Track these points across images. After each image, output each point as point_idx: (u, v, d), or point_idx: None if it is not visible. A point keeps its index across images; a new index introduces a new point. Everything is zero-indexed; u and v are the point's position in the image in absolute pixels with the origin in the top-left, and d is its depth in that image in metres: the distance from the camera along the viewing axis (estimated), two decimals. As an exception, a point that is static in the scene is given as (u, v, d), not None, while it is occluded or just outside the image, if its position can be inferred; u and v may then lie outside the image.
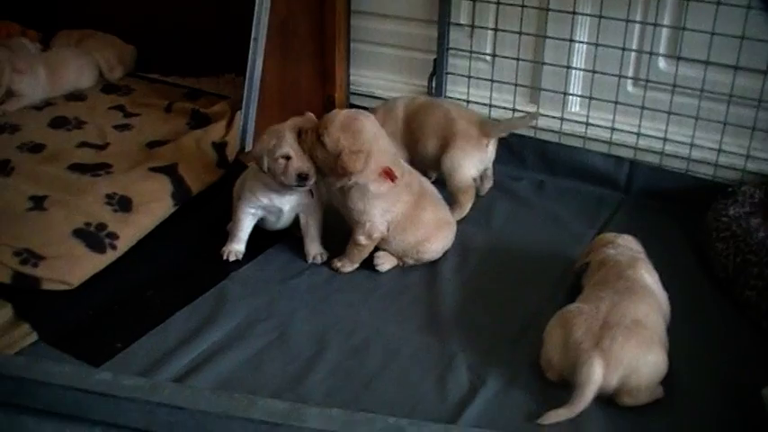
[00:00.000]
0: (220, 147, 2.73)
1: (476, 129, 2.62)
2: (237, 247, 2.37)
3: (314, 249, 2.38)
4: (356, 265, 2.31)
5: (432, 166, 2.69)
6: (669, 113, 2.71)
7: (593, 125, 2.88)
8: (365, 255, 2.29)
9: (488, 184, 2.80)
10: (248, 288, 2.23)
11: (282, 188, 2.24)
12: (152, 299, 2.18)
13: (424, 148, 2.66)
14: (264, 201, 2.30)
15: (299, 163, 2.18)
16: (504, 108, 3.02)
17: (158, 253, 2.38)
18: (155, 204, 2.43)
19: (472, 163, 2.61)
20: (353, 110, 2.24)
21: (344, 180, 2.16)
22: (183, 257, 2.38)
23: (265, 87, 2.78)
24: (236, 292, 2.20)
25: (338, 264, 2.32)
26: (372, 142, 2.14)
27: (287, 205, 2.31)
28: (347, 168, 2.11)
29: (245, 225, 2.35)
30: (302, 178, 2.18)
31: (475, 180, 2.66)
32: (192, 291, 2.20)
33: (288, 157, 2.18)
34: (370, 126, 2.17)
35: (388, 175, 2.16)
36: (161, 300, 2.18)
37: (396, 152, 2.28)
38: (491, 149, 2.68)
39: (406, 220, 2.24)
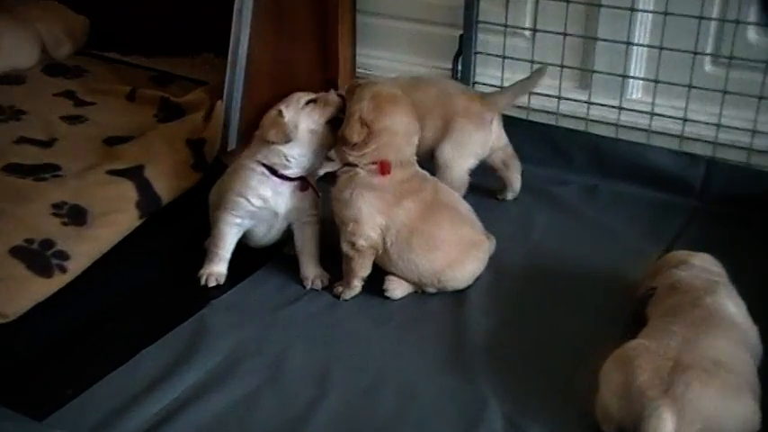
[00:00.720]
0: (197, 145, 2.78)
1: (477, 104, 2.70)
2: (218, 268, 2.40)
3: (312, 271, 2.40)
4: (356, 289, 2.34)
5: (428, 158, 2.73)
6: (760, 98, 2.72)
7: (659, 115, 2.90)
8: (359, 271, 2.30)
9: (516, 172, 2.83)
10: (232, 318, 2.25)
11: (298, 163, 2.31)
12: (113, 333, 2.21)
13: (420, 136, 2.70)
14: (257, 203, 2.33)
15: (331, 96, 2.34)
16: (548, 95, 3.06)
17: (120, 276, 2.41)
18: (115, 216, 2.47)
19: (473, 149, 2.69)
20: (400, 93, 2.32)
21: (339, 153, 2.27)
22: (152, 281, 2.41)
23: (252, 71, 2.82)
24: (218, 324, 2.23)
25: (339, 288, 2.35)
26: (390, 131, 2.22)
27: (283, 207, 2.35)
28: (344, 135, 2.22)
29: (228, 240, 2.38)
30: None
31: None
32: (162, 322, 2.22)
33: (314, 101, 2.33)
34: (402, 116, 2.26)
35: (382, 167, 2.22)
36: (124, 334, 2.20)
37: (411, 156, 2.32)
38: (496, 127, 2.74)
39: (412, 234, 2.26)
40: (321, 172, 2.61)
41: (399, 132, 2.25)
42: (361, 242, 2.25)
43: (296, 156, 2.31)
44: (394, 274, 2.33)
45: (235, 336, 2.18)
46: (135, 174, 2.60)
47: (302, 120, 2.31)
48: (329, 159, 2.52)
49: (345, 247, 2.27)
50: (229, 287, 2.38)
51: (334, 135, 2.31)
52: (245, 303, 2.32)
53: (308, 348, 2.15)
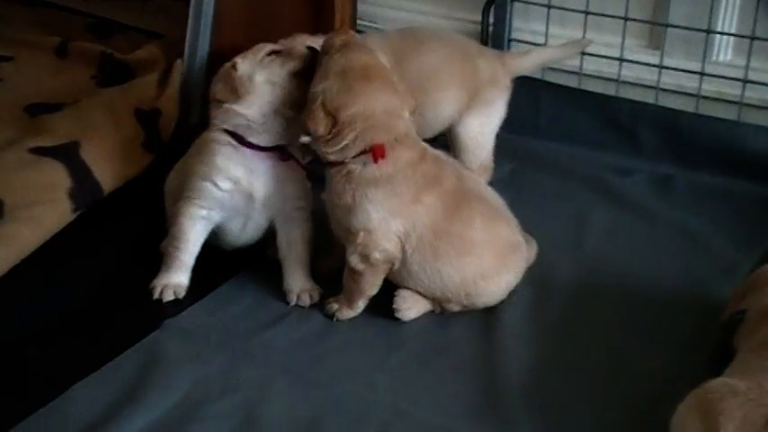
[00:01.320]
0: (149, 117, 2.77)
1: (500, 68, 2.80)
2: (177, 278, 2.39)
3: (298, 283, 2.40)
4: (359, 309, 2.34)
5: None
6: None
7: (755, 83, 2.90)
8: (368, 290, 2.31)
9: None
10: (193, 345, 2.24)
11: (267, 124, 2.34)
12: (36, 362, 2.20)
13: (435, 109, 2.72)
14: (225, 186, 2.34)
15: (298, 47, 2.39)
16: (607, 57, 3.06)
17: (47, 288, 2.40)
18: (40, 209, 2.46)
19: (499, 124, 2.82)
20: (376, 62, 2.30)
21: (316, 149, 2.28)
22: (89, 295, 2.40)
23: (223, 20, 2.82)
24: (174, 352, 2.21)
25: (335, 306, 2.35)
26: (364, 116, 2.22)
27: (261, 189, 2.36)
28: (307, 125, 2.23)
29: (192, 240, 2.38)
30: (313, 49, 2.36)
31: None
32: (101, 349, 2.21)
33: (277, 51, 2.39)
34: (376, 95, 2.24)
35: (375, 152, 2.23)
36: (51, 362, 2.19)
37: (410, 130, 2.31)
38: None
39: (436, 236, 2.26)
40: (303, 140, 2.60)
41: (376, 111, 2.24)
42: (376, 255, 2.25)
43: (256, 116, 2.34)
44: (408, 288, 2.34)
45: (196, 368, 2.16)
46: (67, 153, 2.59)
47: (258, 71, 2.35)
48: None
49: (354, 261, 2.27)
50: (190, 303, 2.37)
51: (303, 90, 2.32)
52: (210, 325, 2.31)
53: (291, 387, 2.13)
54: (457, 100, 2.72)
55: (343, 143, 2.22)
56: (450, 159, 2.41)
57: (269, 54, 2.38)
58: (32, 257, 2.42)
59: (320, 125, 2.21)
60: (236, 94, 2.32)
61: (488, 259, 2.31)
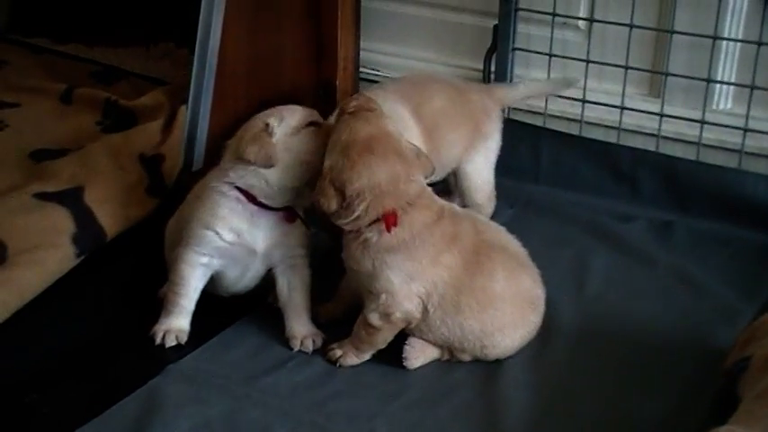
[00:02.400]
0: (152, 162, 2.79)
1: (487, 98, 2.87)
2: (178, 323, 2.39)
3: (301, 329, 2.39)
4: (365, 358, 2.34)
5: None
6: None
7: (755, 131, 2.91)
8: (380, 344, 2.31)
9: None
10: (195, 389, 2.23)
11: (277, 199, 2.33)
12: (36, 407, 2.19)
13: (449, 150, 2.75)
14: (228, 238, 2.33)
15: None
16: (608, 105, 3.07)
17: (49, 332, 2.40)
18: (44, 253, 2.47)
19: (497, 154, 2.89)
20: (383, 135, 2.25)
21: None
22: (90, 340, 2.40)
23: (226, 67, 2.84)
24: (176, 396, 2.20)
25: (338, 352, 2.34)
26: (370, 187, 2.20)
27: (262, 244, 2.36)
28: (319, 202, 2.21)
29: (192, 286, 2.37)
30: None
31: None
32: (103, 394, 2.20)
33: (317, 124, 2.36)
34: (380, 165, 2.21)
35: (387, 221, 2.21)
36: (53, 407, 2.18)
37: (420, 191, 2.29)
38: None
39: (458, 292, 2.26)
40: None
41: (383, 182, 2.22)
42: (397, 315, 2.25)
43: (279, 184, 2.32)
44: (420, 338, 2.33)
45: (197, 413, 2.15)
46: (71, 198, 2.61)
47: (295, 145, 2.32)
48: None
49: (374, 318, 2.26)
50: (192, 349, 2.37)
51: None
52: (211, 371, 2.30)
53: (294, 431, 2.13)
54: (466, 137, 2.77)
55: (355, 215, 2.21)
56: (465, 212, 2.42)
57: (307, 125, 2.35)
58: (34, 301, 2.42)
59: (331, 201, 2.20)
60: (269, 162, 2.28)
61: (509, 312, 2.31)
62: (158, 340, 2.37)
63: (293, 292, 2.40)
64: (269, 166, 2.28)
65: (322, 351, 2.37)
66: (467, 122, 2.78)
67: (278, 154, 2.29)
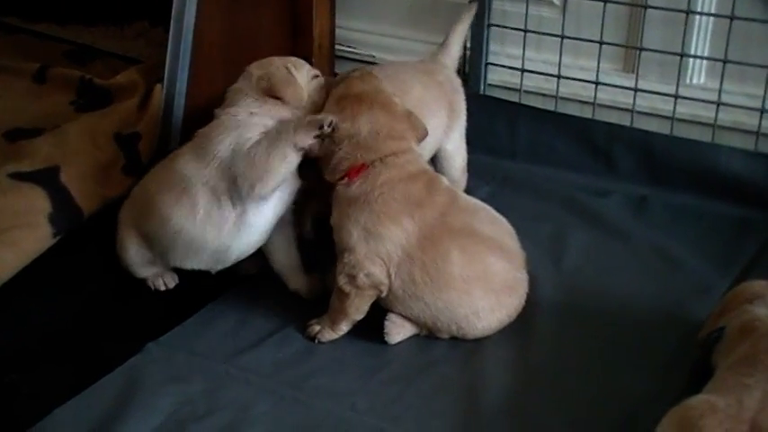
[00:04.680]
0: (129, 141, 2.78)
1: (450, 72, 2.90)
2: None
3: (302, 282, 2.50)
4: (342, 332, 2.34)
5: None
6: None
7: (728, 105, 2.92)
8: (353, 314, 2.30)
9: None
10: (175, 368, 2.23)
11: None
12: (17, 387, 2.19)
13: (433, 136, 2.70)
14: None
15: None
16: (583, 81, 3.08)
17: (27, 313, 2.40)
18: (20, 233, 2.46)
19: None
20: (373, 88, 2.37)
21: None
22: (69, 319, 2.40)
23: (202, 46, 2.83)
24: (156, 374, 2.21)
25: (316, 328, 2.35)
26: (350, 135, 2.28)
27: None
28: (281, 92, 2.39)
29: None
30: None
31: None
32: (82, 373, 2.20)
33: (318, 77, 2.52)
34: (368, 112, 2.30)
35: (352, 170, 2.29)
36: (33, 387, 2.19)
37: (403, 150, 2.32)
38: None
39: (411, 263, 2.25)
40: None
41: (362, 131, 2.29)
42: (362, 277, 2.25)
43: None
44: (398, 313, 2.34)
45: (178, 390, 2.16)
46: (47, 178, 2.59)
47: (310, 92, 2.46)
48: None
49: (342, 281, 2.27)
50: (172, 326, 2.37)
51: None
52: (191, 348, 2.30)
53: (273, 408, 2.13)
54: (445, 120, 2.77)
55: (333, 163, 2.29)
56: (449, 188, 2.40)
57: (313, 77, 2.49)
58: (12, 281, 2.42)
59: (316, 147, 2.30)
60: (302, 102, 2.42)
61: (479, 296, 2.29)
62: (152, 286, 2.52)
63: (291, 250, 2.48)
64: (301, 106, 2.41)
65: (302, 330, 2.38)
66: (443, 105, 2.77)
67: (304, 97, 2.43)
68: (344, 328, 2.34)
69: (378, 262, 2.25)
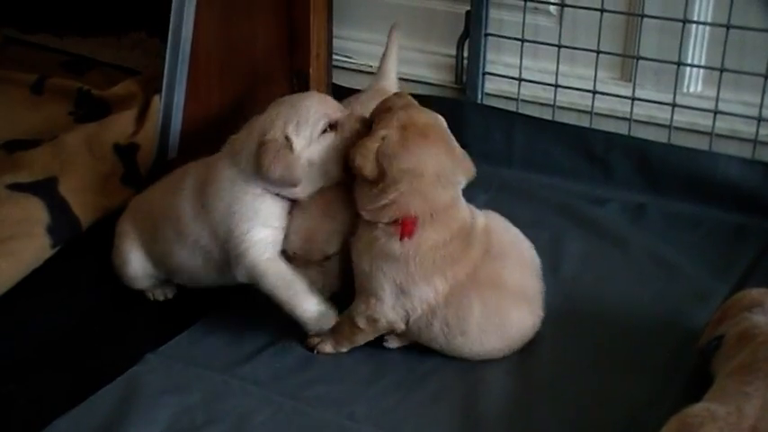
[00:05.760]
0: (127, 151, 2.78)
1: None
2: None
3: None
4: (343, 350, 2.34)
5: None
6: None
7: (725, 114, 2.94)
8: (359, 342, 2.31)
9: None
10: (174, 378, 2.23)
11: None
12: (15, 397, 2.19)
13: None
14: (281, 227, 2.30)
15: (349, 116, 2.27)
16: (580, 90, 3.09)
17: (25, 323, 2.40)
18: (18, 244, 2.46)
19: None
20: (437, 122, 2.25)
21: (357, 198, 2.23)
22: (67, 330, 2.40)
23: (199, 56, 2.84)
24: (156, 384, 2.20)
25: (316, 340, 2.35)
26: (413, 173, 2.16)
27: None
28: (356, 163, 2.15)
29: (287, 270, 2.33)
30: (370, 126, 2.24)
31: None
32: (81, 383, 2.20)
33: (332, 126, 2.26)
34: (432, 152, 2.19)
35: (404, 227, 2.18)
36: (31, 397, 2.18)
37: (455, 197, 2.24)
38: None
39: (433, 315, 2.22)
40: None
41: (426, 173, 2.18)
42: (383, 322, 2.24)
43: (304, 193, 2.28)
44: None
45: (177, 400, 2.15)
46: (45, 189, 2.59)
47: (317, 153, 2.25)
48: None
49: (361, 321, 2.25)
50: (170, 336, 2.37)
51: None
52: (190, 357, 2.30)
53: (273, 418, 2.12)
54: None
55: (383, 202, 2.17)
56: (482, 235, 2.29)
57: (327, 129, 2.26)
58: (10, 292, 2.42)
59: (367, 167, 2.15)
60: (295, 182, 2.22)
61: (492, 343, 2.28)
62: (151, 297, 2.49)
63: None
64: (294, 185, 2.24)
65: (301, 341, 2.37)
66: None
67: (305, 171, 2.23)
68: (345, 349, 2.33)
69: (401, 313, 2.24)
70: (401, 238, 2.17)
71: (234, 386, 2.22)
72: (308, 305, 2.26)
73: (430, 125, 2.23)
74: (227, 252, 2.29)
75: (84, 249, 2.60)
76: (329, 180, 2.28)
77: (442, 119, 2.29)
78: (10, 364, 2.28)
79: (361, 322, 2.26)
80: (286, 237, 2.28)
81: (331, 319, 2.29)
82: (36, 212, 2.53)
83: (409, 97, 2.32)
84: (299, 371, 2.29)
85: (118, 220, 2.52)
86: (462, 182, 2.27)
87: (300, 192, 2.27)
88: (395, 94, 2.36)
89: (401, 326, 2.25)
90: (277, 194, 2.28)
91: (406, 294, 2.22)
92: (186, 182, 2.37)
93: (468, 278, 2.23)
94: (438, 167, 2.19)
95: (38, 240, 2.49)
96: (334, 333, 2.32)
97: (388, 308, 2.23)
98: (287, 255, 2.29)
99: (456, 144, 2.27)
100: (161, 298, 2.49)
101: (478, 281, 2.24)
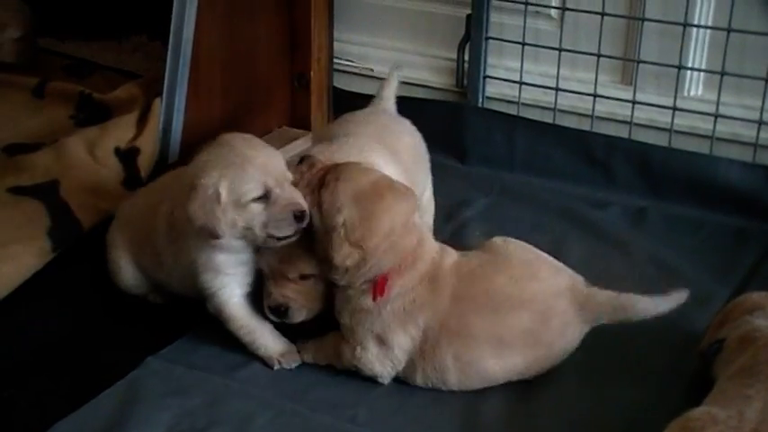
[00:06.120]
0: (128, 155, 2.78)
1: (396, 123, 2.69)
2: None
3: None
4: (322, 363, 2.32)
5: None
6: None
7: (726, 117, 2.94)
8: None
9: None
10: (174, 381, 2.23)
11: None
12: (16, 401, 2.19)
13: (424, 188, 2.69)
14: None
15: (289, 193, 2.17)
16: (580, 93, 3.10)
17: (26, 327, 2.40)
18: (20, 248, 2.46)
19: None
20: (385, 179, 2.17)
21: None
22: (68, 334, 2.40)
23: (201, 59, 2.84)
24: (156, 389, 2.20)
25: (303, 356, 2.32)
26: (391, 230, 2.14)
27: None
28: (329, 256, 2.12)
29: (252, 317, 2.34)
30: (299, 218, 2.16)
31: None
32: (82, 387, 2.20)
33: (265, 196, 2.17)
34: (395, 208, 2.15)
35: (378, 287, 2.16)
36: (30, 404, 2.18)
37: (420, 235, 2.21)
38: None
39: (411, 362, 2.20)
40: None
41: (396, 228, 2.15)
42: (369, 371, 2.22)
43: (233, 244, 2.22)
44: None
45: (178, 404, 2.16)
46: (46, 192, 2.60)
47: (242, 217, 2.16)
48: None
49: (347, 363, 2.24)
50: (171, 339, 2.37)
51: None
52: (191, 361, 2.30)
53: (274, 421, 2.13)
54: (428, 168, 2.71)
55: (360, 272, 2.15)
56: (452, 276, 2.21)
57: (255, 199, 2.16)
58: (11, 296, 2.42)
59: (348, 259, 2.12)
60: (216, 236, 2.16)
61: (476, 386, 2.22)
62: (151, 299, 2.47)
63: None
64: (216, 238, 2.18)
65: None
66: (423, 151, 2.69)
67: (223, 228, 2.16)
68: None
69: (387, 364, 2.22)
70: (374, 298, 2.16)
71: (234, 389, 2.22)
72: (272, 345, 2.30)
73: (374, 181, 2.17)
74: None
75: (84, 253, 2.59)
76: (250, 242, 2.22)
77: (370, 162, 2.26)
78: (10, 369, 2.28)
79: (348, 365, 2.25)
80: (261, 256, 2.26)
81: (294, 356, 2.30)
82: (37, 216, 2.54)
83: (314, 158, 2.25)
84: (300, 374, 2.29)
85: (108, 229, 2.52)
86: (419, 216, 2.25)
87: (225, 245, 2.22)
88: (306, 163, 2.24)
89: (387, 375, 2.23)
90: None
91: (386, 345, 2.19)
92: (161, 209, 2.36)
93: (441, 327, 2.17)
94: (403, 217, 2.17)
95: (39, 244, 2.49)
96: (317, 347, 2.31)
97: (374, 358, 2.21)
98: (263, 272, 2.27)
99: (392, 178, 2.22)
100: (160, 301, 2.48)
101: (449, 330, 2.17)
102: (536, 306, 2.17)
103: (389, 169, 2.35)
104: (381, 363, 2.22)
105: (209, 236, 2.17)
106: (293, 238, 2.17)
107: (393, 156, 2.46)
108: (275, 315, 2.26)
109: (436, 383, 2.21)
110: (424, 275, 2.19)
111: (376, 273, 2.15)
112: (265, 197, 2.16)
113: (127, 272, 2.47)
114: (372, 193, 2.13)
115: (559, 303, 2.19)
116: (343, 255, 2.11)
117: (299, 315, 2.26)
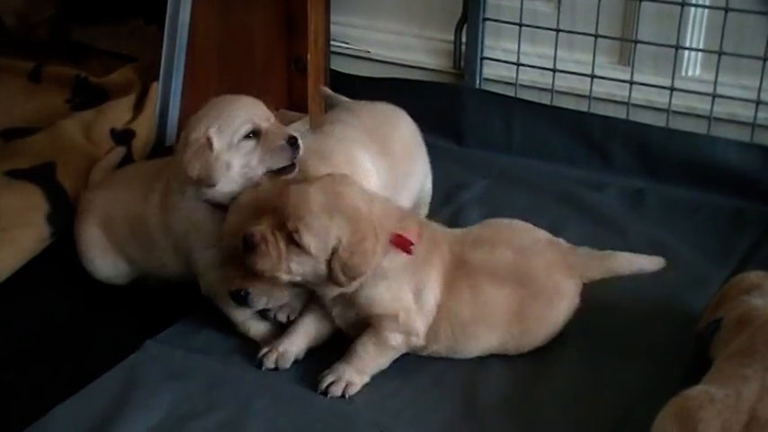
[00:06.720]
0: (124, 137, 2.78)
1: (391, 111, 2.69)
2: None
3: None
4: (366, 379, 2.22)
5: None
6: None
7: (724, 97, 2.94)
8: (387, 364, 2.24)
9: None
10: (173, 365, 2.24)
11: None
12: (16, 385, 2.19)
13: (424, 180, 2.71)
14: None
15: (277, 126, 2.27)
16: (578, 74, 3.09)
17: (26, 312, 2.40)
18: (18, 232, 2.47)
19: None
20: (327, 177, 2.16)
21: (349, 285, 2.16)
22: (67, 318, 2.40)
23: (197, 43, 2.84)
24: (155, 372, 2.21)
25: (342, 384, 2.18)
26: (372, 211, 2.14)
27: None
28: (357, 271, 2.10)
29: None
30: (293, 144, 2.24)
31: None
32: (81, 370, 2.20)
33: (255, 132, 2.25)
34: (355, 190, 2.16)
35: (400, 241, 2.16)
36: (31, 386, 2.19)
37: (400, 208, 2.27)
38: None
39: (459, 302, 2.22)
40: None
41: (370, 195, 2.18)
42: (414, 333, 2.20)
43: (230, 192, 2.27)
44: None
45: (177, 387, 2.16)
46: (43, 175, 2.59)
47: (236, 156, 2.24)
48: None
49: (396, 338, 2.20)
50: (170, 323, 2.37)
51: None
52: (190, 345, 2.30)
53: (273, 405, 2.13)
54: (426, 161, 2.72)
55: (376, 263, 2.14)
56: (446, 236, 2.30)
57: (247, 136, 2.24)
58: (9, 281, 2.42)
59: (371, 258, 2.11)
60: (212, 180, 2.22)
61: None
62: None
63: None
64: (211, 185, 2.24)
65: (315, 382, 2.22)
66: (421, 145, 2.69)
67: (219, 171, 2.22)
68: (369, 377, 2.23)
69: (423, 320, 2.21)
70: (409, 252, 2.17)
71: (233, 373, 2.23)
72: (259, 325, 2.31)
73: (334, 182, 2.16)
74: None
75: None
76: (248, 183, 2.25)
77: (345, 150, 2.33)
78: (10, 353, 2.28)
79: (395, 339, 2.21)
80: (220, 238, 2.26)
81: (285, 346, 2.27)
82: (35, 201, 2.53)
83: (308, 148, 2.29)
84: (302, 358, 2.28)
85: (76, 223, 2.49)
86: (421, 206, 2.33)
87: (219, 194, 2.26)
88: (248, 244, 2.14)
89: (422, 340, 2.22)
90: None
91: (420, 297, 2.21)
92: (151, 198, 2.39)
93: (456, 265, 2.23)
94: (396, 213, 2.21)
95: (37, 229, 2.50)
96: (356, 362, 2.22)
97: (416, 315, 2.20)
98: (223, 255, 2.26)
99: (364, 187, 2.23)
100: (158, 284, 2.48)
101: (464, 267, 2.24)
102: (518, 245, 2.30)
103: (365, 159, 2.41)
104: (421, 318, 2.21)
105: (206, 185, 2.23)
106: (293, 173, 2.24)
107: (380, 146, 2.48)
108: (235, 300, 2.24)
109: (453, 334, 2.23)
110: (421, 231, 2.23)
111: (385, 234, 2.15)
112: (255, 133, 2.25)
113: (107, 265, 2.47)
114: (331, 194, 2.11)
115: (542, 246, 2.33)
116: (369, 255, 2.11)
117: (259, 302, 2.24)
